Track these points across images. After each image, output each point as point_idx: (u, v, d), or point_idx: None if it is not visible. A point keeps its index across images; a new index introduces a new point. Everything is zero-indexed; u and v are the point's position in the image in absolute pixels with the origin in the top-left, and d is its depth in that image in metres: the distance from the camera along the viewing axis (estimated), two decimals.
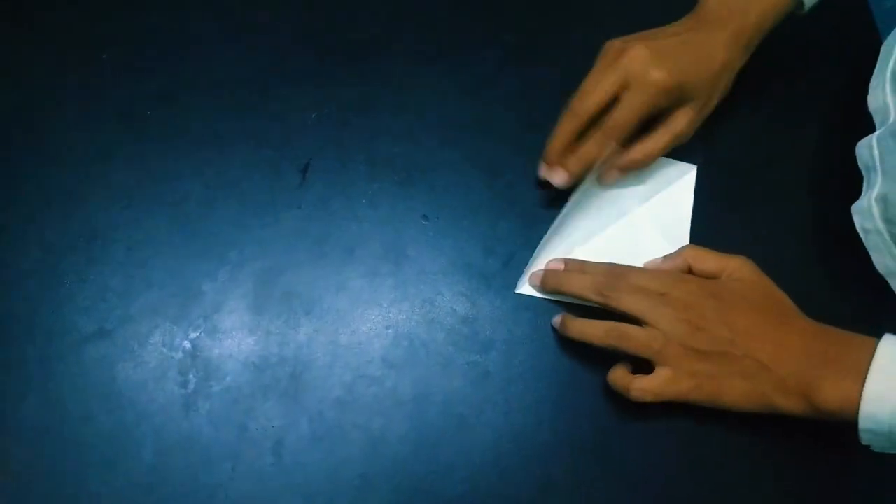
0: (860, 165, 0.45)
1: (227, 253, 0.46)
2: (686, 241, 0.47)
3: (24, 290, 0.45)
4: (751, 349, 0.39)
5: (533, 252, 0.47)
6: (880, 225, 0.42)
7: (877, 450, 0.38)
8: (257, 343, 0.44)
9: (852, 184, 0.46)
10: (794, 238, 0.49)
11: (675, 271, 0.43)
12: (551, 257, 0.46)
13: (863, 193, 0.44)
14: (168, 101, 0.51)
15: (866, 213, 0.43)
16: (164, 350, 0.44)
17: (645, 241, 0.48)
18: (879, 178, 0.43)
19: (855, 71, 0.51)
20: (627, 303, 0.41)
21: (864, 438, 0.37)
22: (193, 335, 0.44)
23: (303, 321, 0.45)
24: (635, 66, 0.44)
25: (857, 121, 0.48)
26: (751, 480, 0.42)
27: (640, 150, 0.46)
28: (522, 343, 0.45)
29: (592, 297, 0.42)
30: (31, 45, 0.53)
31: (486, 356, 0.44)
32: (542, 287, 0.45)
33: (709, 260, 0.43)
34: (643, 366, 0.41)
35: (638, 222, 0.48)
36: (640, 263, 0.45)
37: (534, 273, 0.46)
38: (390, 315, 0.45)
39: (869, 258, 0.44)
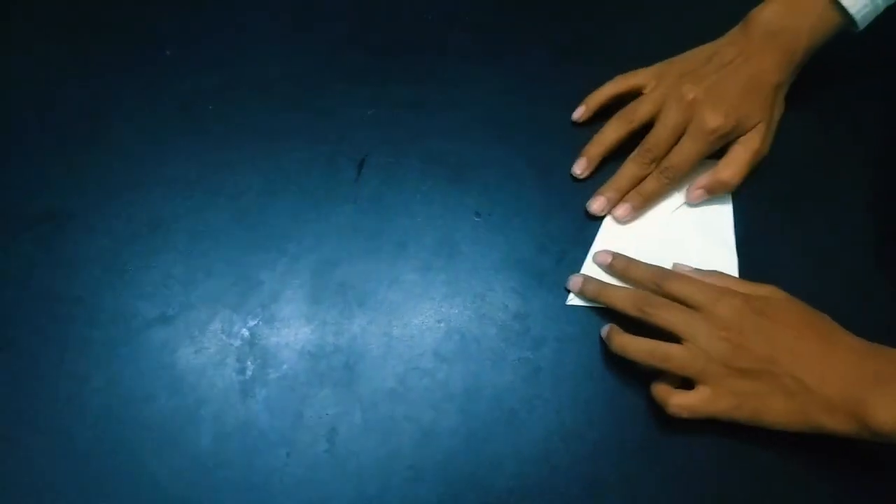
0: None
1: (285, 244, 0.47)
2: (731, 238, 0.47)
3: (90, 275, 0.47)
4: (794, 368, 0.38)
5: (585, 251, 0.47)
6: None
7: None
8: (313, 332, 0.45)
9: None
10: (850, 242, 0.48)
11: (717, 285, 0.42)
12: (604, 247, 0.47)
13: None
14: (228, 96, 0.52)
15: None
16: (224, 337, 0.45)
17: (688, 242, 0.47)
18: None
19: None
20: (666, 319, 0.41)
21: None
22: (252, 323, 0.45)
23: (357, 312, 0.45)
24: (693, 109, 0.46)
25: None
26: (806, 491, 0.42)
27: (725, 172, 0.47)
28: (574, 341, 0.45)
29: (631, 311, 0.42)
30: (98, 43, 0.55)
31: (537, 353, 0.44)
32: (583, 293, 0.45)
33: (739, 286, 0.42)
34: (687, 380, 0.41)
35: (680, 223, 0.48)
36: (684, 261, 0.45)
37: (574, 278, 0.46)
38: (442, 309, 0.46)
39: None
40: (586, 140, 0.50)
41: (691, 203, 0.48)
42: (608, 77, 0.52)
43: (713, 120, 0.45)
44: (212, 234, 0.48)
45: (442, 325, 0.45)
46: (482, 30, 0.55)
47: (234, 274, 0.46)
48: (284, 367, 0.44)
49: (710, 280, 0.43)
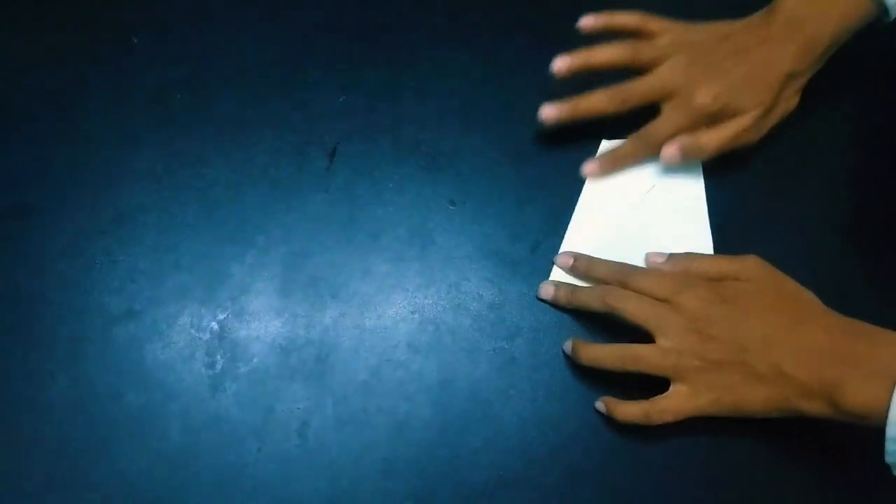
0: None
1: (255, 236, 0.46)
2: (704, 217, 0.46)
3: (55, 270, 0.46)
4: (768, 355, 0.37)
5: (560, 240, 0.46)
6: None
7: None
8: (284, 325, 0.44)
9: None
10: (836, 229, 0.47)
11: (683, 274, 0.42)
12: (573, 245, 0.46)
13: None
14: (196, 85, 0.51)
15: None
16: (192, 331, 0.44)
17: (662, 223, 0.46)
18: None
19: None
20: (633, 312, 0.40)
21: (891, 449, 0.34)
22: (221, 317, 0.44)
23: (329, 304, 0.45)
24: (686, 80, 0.44)
25: None
26: (784, 477, 0.42)
27: (705, 138, 0.45)
28: (549, 330, 0.44)
29: (599, 307, 0.41)
30: (63, 31, 0.54)
31: (512, 343, 0.44)
32: (556, 300, 0.44)
33: (713, 265, 0.42)
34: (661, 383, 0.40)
35: (653, 204, 0.47)
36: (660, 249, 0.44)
37: (545, 287, 0.44)
38: (416, 300, 0.45)
39: None
40: (564, 129, 0.48)
41: (666, 169, 0.47)
42: None
43: (702, 96, 0.44)
44: (179, 226, 0.47)
45: (415, 316, 0.45)
46: (458, 15, 0.54)
47: (202, 267, 0.45)
48: (255, 360, 0.43)
49: (680, 265, 0.42)
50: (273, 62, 0.52)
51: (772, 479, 0.41)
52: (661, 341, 0.39)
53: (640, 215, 0.47)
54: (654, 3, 0.48)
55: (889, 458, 0.34)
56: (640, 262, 0.44)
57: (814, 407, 0.37)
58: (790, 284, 0.40)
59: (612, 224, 0.47)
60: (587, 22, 0.48)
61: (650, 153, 0.46)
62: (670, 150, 0.45)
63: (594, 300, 0.42)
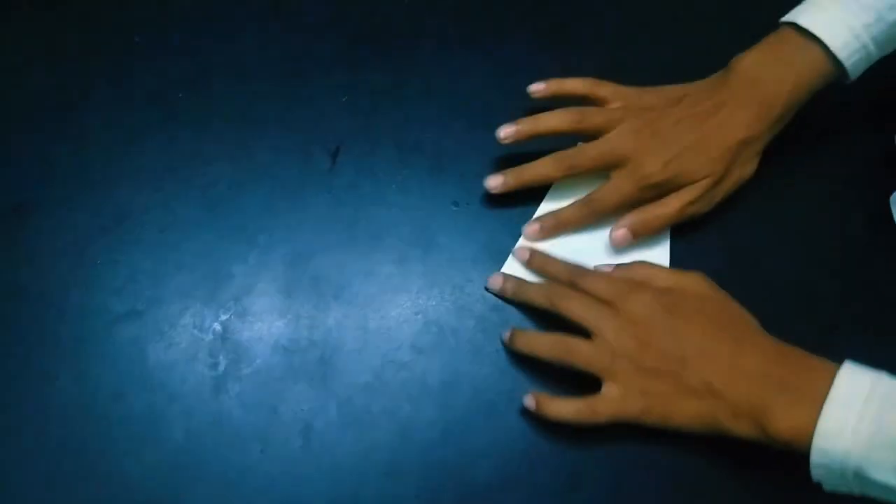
0: None
1: (257, 236, 0.46)
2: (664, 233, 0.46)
3: (57, 270, 0.45)
4: (702, 371, 0.37)
5: None
6: None
7: (828, 489, 0.35)
8: (287, 326, 0.44)
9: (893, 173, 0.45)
10: (828, 225, 0.47)
11: (631, 280, 0.41)
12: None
13: None
14: (199, 84, 0.51)
15: None
16: (195, 332, 0.44)
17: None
18: None
19: None
20: (575, 311, 0.40)
21: (816, 475, 0.35)
22: (224, 317, 0.44)
23: (332, 305, 0.44)
24: (637, 146, 0.43)
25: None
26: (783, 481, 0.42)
27: (652, 213, 0.44)
28: (552, 331, 0.44)
29: (543, 303, 0.42)
30: (64, 28, 0.53)
31: None
32: (503, 292, 0.44)
33: (660, 276, 0.42)
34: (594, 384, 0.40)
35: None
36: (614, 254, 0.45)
37: (494, 277, 0.44)
38: (420, 301, 0.45)
39: None
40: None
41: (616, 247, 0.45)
42: (588, 64, 0.51)
43: (650, 165, 0.43)
44: (181, 226, 0.46)
45: (419, 317, 0.44)
46: (460, 16, 0.54)
47: (204, 267, 0.45)
48: (258, 361, 0.43)
49: (631, 272, 0.42)
50: (276, 61, 0.52)
51: (769, 478, 0.41)
52: (598, 340, 0.39)
53: (598, 225, 0.46)
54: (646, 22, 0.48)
55: (815, 480, 0.35)
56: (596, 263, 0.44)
57: (741, 428, 0.37)
58: (732, 304, 0.40)
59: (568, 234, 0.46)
60: (536, 88, 0.48)
61: (595, 220, 0.45)
62: (619, 234, 0.44)
63: (540, 296, 0.42)
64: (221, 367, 0.43)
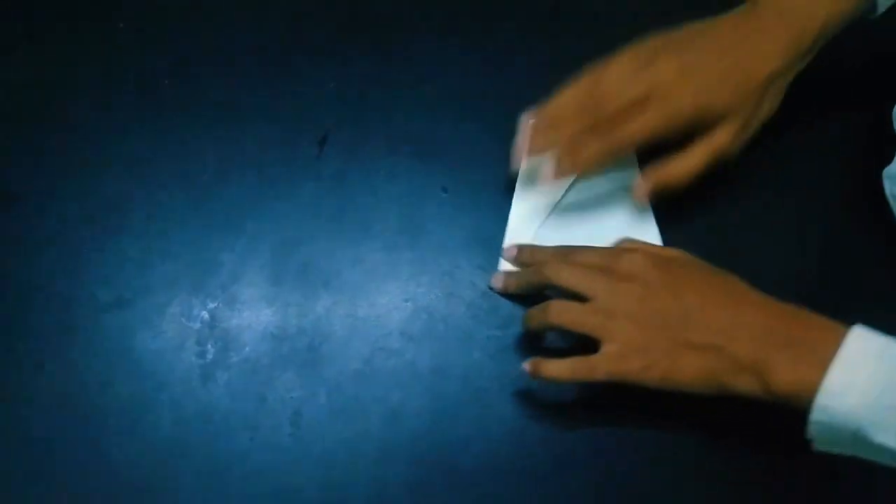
0: None
1: (245, 224, 0.46)
2: (648, 209, 0.45)
3: (43, 259, 0.45)
4: (704, 325, 0.36)
5: None
6: None
7: (818, 447, 0.35)
8: (275, 314, 0.44)
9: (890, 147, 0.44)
10: (819, 200, 0.47)
11: (620, 247, 0.41)
12: (517, 237, 0.45)
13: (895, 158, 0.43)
14: (185, 71, 0.50)
15: None
16: (183, 320, 0.43)
17: (604, 208, 0.46)
18: None
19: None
20: (566, 278, 0.39)
21: (812, 430, 0.34)
22: (212, 305, 0.44)
23: (321, 293, 0.44)
24: (660, 79, 0.41)
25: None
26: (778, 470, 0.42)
27: (676, 167, 0.42)
28: None
29: (535, 279, 0.41)
30: (47, 17, 0.53)
31: (505, 330, 0.44)
32: (506, 289, 0.44)
33: (649, 245, 0.41)
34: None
35: (597, 196, 0.46)
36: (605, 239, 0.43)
37: (495, 276, 0.44)
38: (409, 288, 0.45)
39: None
40: None
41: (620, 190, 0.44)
42: (578, 50, 0.50)
43: (679, 98, 0.40)
44: (168, 214, 0.46)
45: (408, 304, 0.44)
46: (448, 2, 0.53)
47: (192, 255, 0.45)
48: (246, 349, 0.43)
49: (619, 244, 0.42)
50: (262, 48, 0.51)
51: (762, 465, 0.42)
52: (592, 301, 0.38)
53: (580, 199, 0.46)
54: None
55: (810, 436, 0.35)
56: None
57: (743, 384, 0.36)
58: (720, 270, 0.39)
59: (551, 211, 0.46)
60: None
61: (618, 157, 0.43)
62: (641, 192, 0.43)
63: (532, 274, 0.42)
64: (210, 356, 0.43)
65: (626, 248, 0.40)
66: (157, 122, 0.49)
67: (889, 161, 0.43)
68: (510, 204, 0.47)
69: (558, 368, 0.39)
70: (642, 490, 0.41)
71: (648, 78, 0.41)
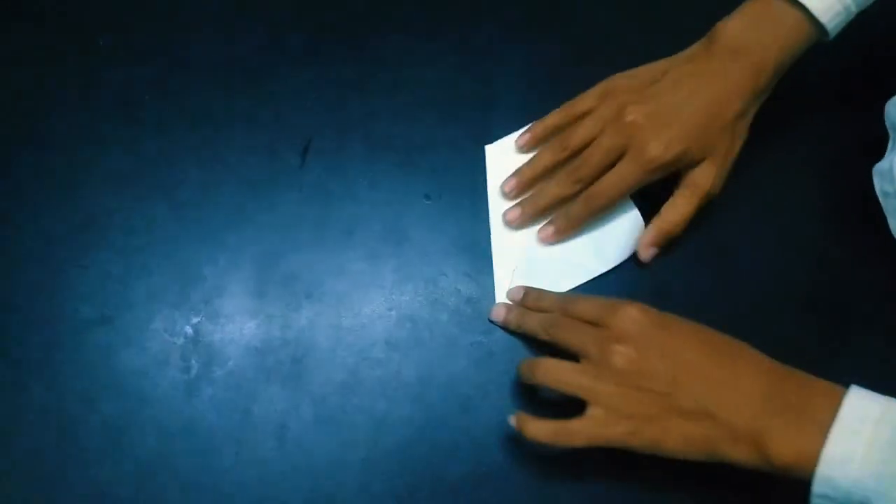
0: (888, 124, 0.43)
1: (227, 237, 0.46)
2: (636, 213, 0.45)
3: (24, 277, 0.45)
4: (697, 391, 0.35)
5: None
6: None
7: None
8: (259, 327, 0.43)
9: (879, 144, 0.44)
10: (809, 196, 0.47)
11: (618, 300, 0.39)
12: (507, 265, 0.45)
13: (886, 153, 0.42)
14: (164, 84, 0.50)
15: (887, 176, 0.41)
16: (166, 336, 0.43)
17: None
18: None
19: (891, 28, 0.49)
20: (562, 335, 0.38)
21: (816, 502, 0.32)
22: (195, 320, 0.44)
23: (304, 304, 0.44)
24: (633, 132, 0.42)
25: (890, 79, 0.45)
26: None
27: (671, 215, 0.43)
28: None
29: (541, 335, 0.40)
30: (27, 31, 0.52)
31: (490, 337, 0.43)
32: (506, 324, 0.43)
33: (587, 307, 0.39)
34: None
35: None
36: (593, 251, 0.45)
37: (496, 309, 0.44)
38: (393, 297, 0.44)
39: (884, 221, 0.42)
40: (539, 116, 0.48)
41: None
42: (561, 52, 0.51)
43: (654, 148, 0.41)
44: (149, 229, 0.46)
45: (393, 312, 0.44)
46: (428, 5, 0.53)
47: (174, 270, 0.45)
48: (230, 363, 0.43)
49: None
50: (241, 59, 0.51)
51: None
52: (584, 361, 0.37)
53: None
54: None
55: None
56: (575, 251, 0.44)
57: (740, 453, 0.34)
58: (714, 330, 0.38)
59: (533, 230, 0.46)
60: (523, 141, 0.47)
61: (603, 213, 0.44)
62: (647, 253, 0.44)
63: (538, 328, 0.41)
64: (194, 371, 0.42)
65: (624, 302, 0.38)
66: (136, 136, 0.48)
67: (879, 158, 0.43)
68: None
69: (538, 429, 0.37)
70: (632, 496, 0.41)
71: (621, 130, 0.42)
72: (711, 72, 0.42)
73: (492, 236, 0.46)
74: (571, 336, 0.38)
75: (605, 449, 0.41)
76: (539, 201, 0.45)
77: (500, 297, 0.44)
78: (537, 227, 0.46)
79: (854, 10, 0.42)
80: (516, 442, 0.41)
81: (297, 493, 0.40)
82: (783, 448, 0.33)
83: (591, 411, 0.36)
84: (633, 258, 0.45)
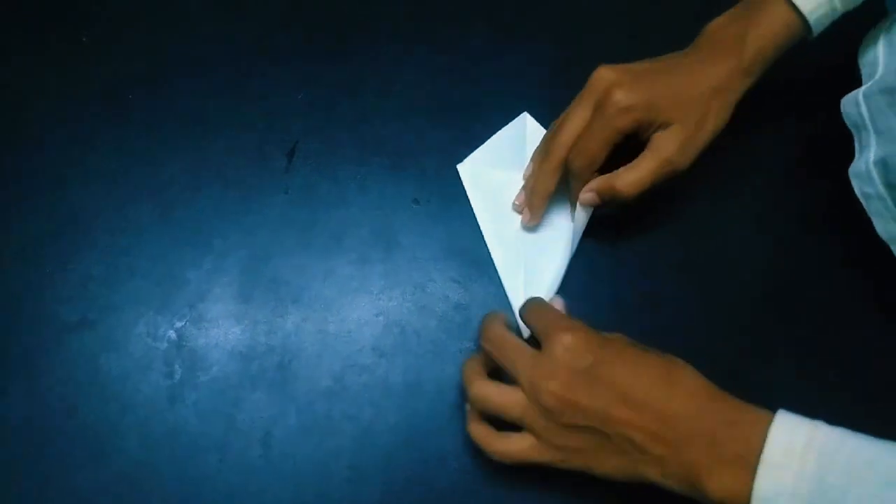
0: (848, 123, 0.43)
1: (212, 240, 0.45)
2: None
3: (4, 279, 0.44)
4: (626, 427, 0.34)
5: None
6: (882, 191, 0.40)
7: None
8: (244, 332, 0.43)
9: (844, 142, 0.44)
10: (788, 208, 0.47)
11: (560, 319, 0.38)
12: (513, 274, 0.45)
13: (857, 155, 0.42)
14: (150, 83, 0.49)
15: (865, 178, 0.41)
16: (149, 340, 0.43)
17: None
18: (873, 140, 0.41)
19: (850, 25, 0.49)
20: (501, 355, 0.38)
21: None
22: (179, 324, 0.43)
23: (290, 309, 0.43)
24: (600, 87, 0.41)
25: (845, 77, 0.45)
26: None
27: (624, 176, 0.41)
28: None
29: (487, 349, 0.39)
30: (8, 30, 0.51)
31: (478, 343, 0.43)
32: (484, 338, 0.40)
33: (534, 317, 0.39)
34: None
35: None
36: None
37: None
38: (380, 302, 0.44)
39: (867, 221, 0.42)
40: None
41: (583, 205, 0.43)
42: (552, 56, 0.50)
43: (620, 93, 0.40)
44: (134, 230, 0.45)
45: (380, 318, 0.44)
46: (418, 7, 0.52)
47: (158, 272, 0.44)
48: (214, 369, 0.42)
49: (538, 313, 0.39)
50: (229, 59, 0.50)
51: None
52: (517, 388, 0.36)
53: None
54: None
55: None
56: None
57: (673, 485, 0.34)
58: (655, 351, 0.37)
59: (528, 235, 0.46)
60: (527, 219, 0.46)
61: (585, 176, 0.43)
62: (586, 196, 0.43)
63: (486, 344, 0.39)
64: (177, 376, 0.42)
65: (568, 327, 0.37)
66: (122, 136, 0.48)
67: (848, 156, 0.43)
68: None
69: (476, 430, 0.38)
70: (623, 500, 0.40)
71: (589, 91, 0.42)
72: (693, 60, 0.43)
73: (490, 250, 0.45)
74: (503, 356, 0.37)
75: None
76: (536, 194, 0.44)
77: (516, 305, 0.43)
78: (533, 232, 0.46)
79: (840, 8, 0.42)
80: None
81: (282, 500, 0.40)
82: (714, 486, 0.32)
83: (524, 436, 0.37)
84: (621, 258, 0.45)
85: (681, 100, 0.41)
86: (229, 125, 0.48)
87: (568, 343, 0.36)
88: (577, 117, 0.42)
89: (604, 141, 0.41)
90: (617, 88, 0.41)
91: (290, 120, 0.48)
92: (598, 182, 0.42)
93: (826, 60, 0.48)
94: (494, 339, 0.38)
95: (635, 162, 0.42)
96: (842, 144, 0.43)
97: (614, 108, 0.41)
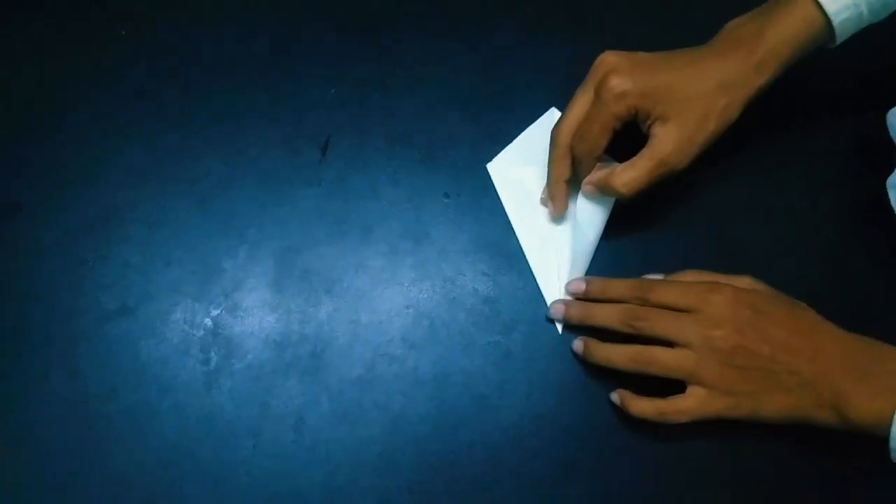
0: (892, 135, 0.43)
1: (247, 231, 0.46)
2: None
3: (46, 270, 0.45)
4: (791, 364, 0.38)
5: None
6: None
7: None
8: (278, 321, 0.44)
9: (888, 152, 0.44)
10: (823, 211, 0.47)
11: (703, 283, 0.40)
12: (546, 268, 0.45)
13: None
14: (185, 78, 0.50)
15: None
16: (186, 327, 0.44)
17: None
18: None
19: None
20: (657, 328, 0.39)
21: (894, 455, 0.36)
22: (214, 313, 0.44)
23: (323, 299, 0.44)
24: (600, 71, 0.42)
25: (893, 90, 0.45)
26: (776, 469, 0.42)
27: (620, 173, 0.41)
28: (545, 324, 0.44)
29: (620, 328, 0.41)
30: (48, 25, 0.53)
31: (507, 337, 0.44)
32: (568, 319, 0.43)
33: (723, 278, 0.41)
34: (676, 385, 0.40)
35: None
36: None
37: (555, 306, 0.44)
38: (411, 294, 0.45)
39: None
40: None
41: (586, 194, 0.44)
42: (578, 49, 0.49)
43: (616, 78, 0.40)
44: (170, 222, 0.46)
45: (410, 310, 0.44)
46: (449, 3, 0.53)
47: (194, 262, 0.45)
48: (249, 356, 0.43)
49: (691, 278, 0.42)
50: (263, 54, 0.51)
51: (759, 469, 0.41)
52: (685, 350, 0.39)
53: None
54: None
55: (894, 459, 0.37)
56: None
57: (823, 416, 0.38)
58: (793, 300, 0.40)
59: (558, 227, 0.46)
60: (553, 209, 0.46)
61: (588, 163, 0.43)
62: (587, 188, 0.44)
63: (615, 321, 0.41)
64: (213, 363, 0.43)
65: (713, 287, 0.40)
66: (157, 130, 0.49)
67: (884, 163, 0.43)
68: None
69: (643, 408, 0.40)
70: (645, 497, 0.41)
71: (590, 77, 0.42)
72: (705, 54, 0.42)
73: (522, 246, 0.46)
74: (666, 327, 0.39)
75: (621, 449, 0.41)
76: (550, 175, 0.45)
77: (550, 298, 0.44)
78: (564, 224, 0.46)
79: (867, 15, 0.40)
80: (532, 441, 0.41)
81: (313, 485, 0.41)
82: (862, 411, 0.36)
83: (694, 390, 0.39)
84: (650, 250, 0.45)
85: (682, 94, 0.40)
86: (263, 119, 0.49)
87: (729, 299, 0.39)
88: (578, 102, 0.43)
89: (602, 126, 0.41)
90: (613, 74, 0.41)
91: (323, 115, 0.49)
92: (597, 177, 0.43)
93: (884, 72, 0.48)
94: (640, 314, 0.40)
95: (633, 160, 0.42)
96: (885, 155, 0.43)
97: (610, 94, 0.41)
